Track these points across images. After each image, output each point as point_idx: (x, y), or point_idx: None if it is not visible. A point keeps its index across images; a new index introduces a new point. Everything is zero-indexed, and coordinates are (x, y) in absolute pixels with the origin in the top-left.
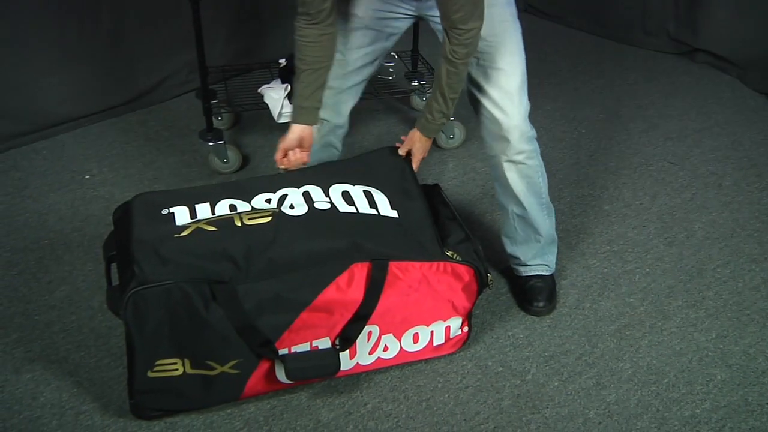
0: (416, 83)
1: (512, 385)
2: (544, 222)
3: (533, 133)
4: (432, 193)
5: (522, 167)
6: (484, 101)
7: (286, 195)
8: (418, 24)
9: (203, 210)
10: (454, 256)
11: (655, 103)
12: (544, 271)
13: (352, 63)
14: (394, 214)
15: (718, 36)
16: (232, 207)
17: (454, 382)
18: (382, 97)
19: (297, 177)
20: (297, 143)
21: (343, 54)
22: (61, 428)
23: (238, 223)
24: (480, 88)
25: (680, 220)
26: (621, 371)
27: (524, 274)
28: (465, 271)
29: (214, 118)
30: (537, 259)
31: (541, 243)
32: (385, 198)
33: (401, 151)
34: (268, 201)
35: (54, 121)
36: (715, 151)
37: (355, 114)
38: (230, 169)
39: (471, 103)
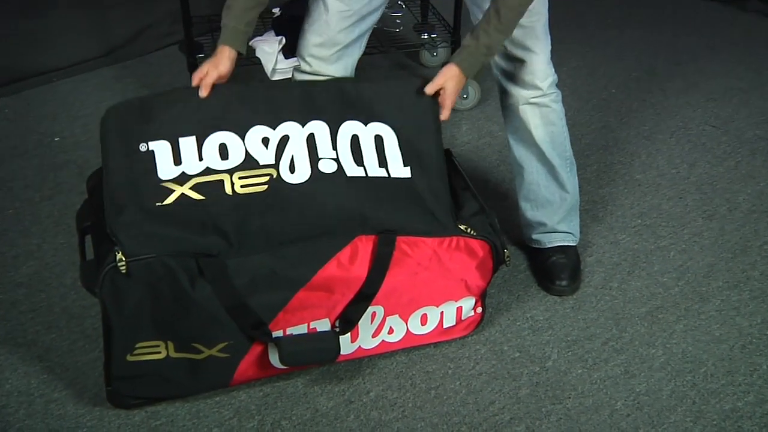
0: (426, 36)
1: (530, 372)
2: (569, 177)
3: (556, 77)
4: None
5: (546, 111)
6: (506, 43)
7: (287, 138)
8: None
9: (188, 150)
10: (468, 230)
11: (696, 58)
12: (570, 241)
13: (356, 12)
14: (407, 172)
15: None
16: (222, 147)
17: (466, 369)
18: (389, 51)
19: (306, 102)
20: (230, 69)
21: (345, 3)
22: (30, 418)
23: (229, 191)
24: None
25: (722, 191)
26: (652, 358)
27: (547, 246)
28: (480, 247)
29: None
30: (563, 224)
31: (567, 202)
32: (398, 148)
33: (429, 89)
34: (266, 142)
35: (17, 75)
36: (765, 113)
37: (358, 71)
38: None
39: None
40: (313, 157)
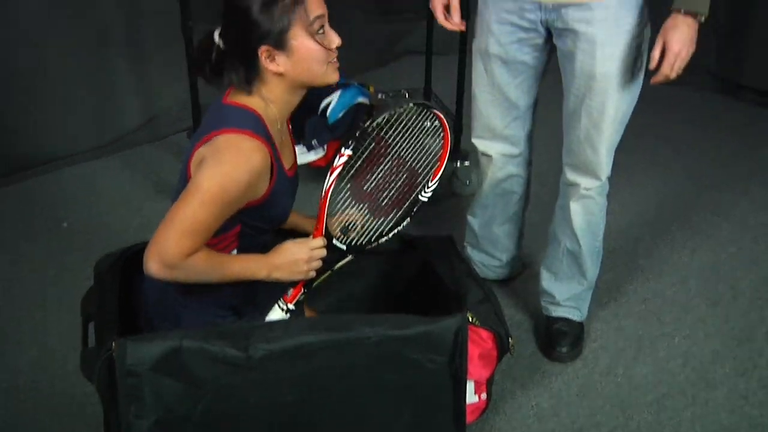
0: (428, 124)
1: None
2: (594, 266)
3: (610, 170)
4: (445, 247)
5: (588, 202)
6: (579, 131)
7: None
8: (431, 57)
9: None
10: (473, 320)
11: (695, 146)
12: (575, 316)
13: (505, 99)
14: None
15: (764, 70)
16: None
17: None
18: None
19: None
20: None
21: (495, 94)
22: None
23: None
24: (577, 115)
25: (725, 277)
26: None
27: (553, 314)
28: (486, 337)
29: None
30: (571, 301)
31: (583, 287)
32: None
33: (655, 55)
34: None
35: (27, 162)
36: (766, 201)
37: None
38: None
39: (565, 118)
40: None
